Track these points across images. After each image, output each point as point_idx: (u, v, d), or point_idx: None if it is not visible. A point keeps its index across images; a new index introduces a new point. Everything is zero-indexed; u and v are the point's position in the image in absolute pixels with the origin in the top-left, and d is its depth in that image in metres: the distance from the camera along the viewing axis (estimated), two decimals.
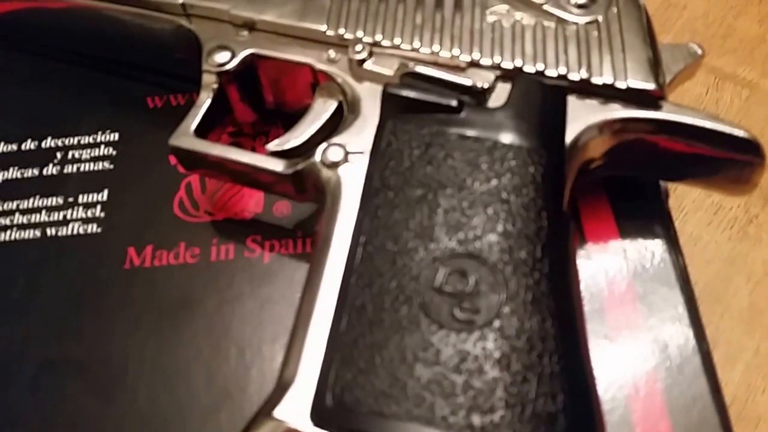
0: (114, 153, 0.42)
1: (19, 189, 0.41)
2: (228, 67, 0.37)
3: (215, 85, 0.37)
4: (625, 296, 0.35)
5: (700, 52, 0.36)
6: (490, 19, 0.36)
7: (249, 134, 0.42)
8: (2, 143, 0.43)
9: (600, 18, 0.35)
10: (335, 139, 0.34)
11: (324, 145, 0.34)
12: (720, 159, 0.34)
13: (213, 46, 0.38)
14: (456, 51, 0.35)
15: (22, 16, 0.45)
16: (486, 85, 0.34)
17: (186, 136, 0.36)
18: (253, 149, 0.41)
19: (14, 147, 0.43)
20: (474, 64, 0.35)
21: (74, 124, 0.43)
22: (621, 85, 0.33)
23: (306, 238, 0.38)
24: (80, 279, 0.37)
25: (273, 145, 0.36)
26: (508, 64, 0.34)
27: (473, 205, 0.30)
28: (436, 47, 0.35)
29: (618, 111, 0.33)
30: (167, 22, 0.40)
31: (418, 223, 0.30)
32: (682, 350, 0.34)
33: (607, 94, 0.33)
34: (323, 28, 0.37)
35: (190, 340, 0.35)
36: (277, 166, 0.35)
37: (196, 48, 0.39)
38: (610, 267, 0.36)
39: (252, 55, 0.37)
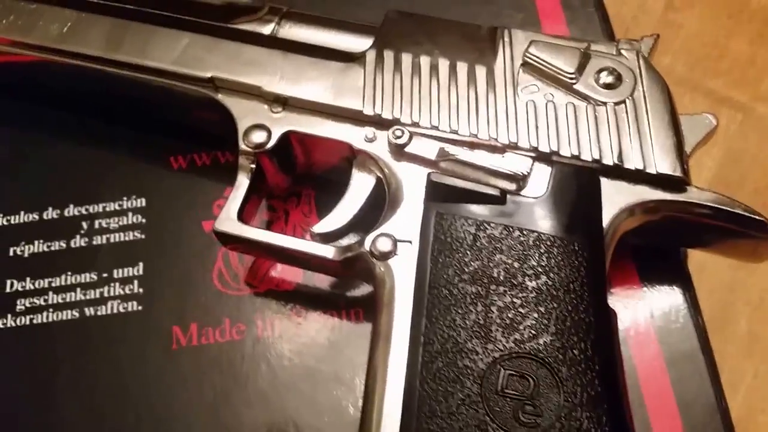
0: (143, 221, 0.42)
1: (49, 265, 0.41)
2: (266, 147, 0.37)
3: (253, 165, 0.38)
4: (653, 361, 0.38)
5: (715, 122, 0.38)
6: (524, 97, 0.37)
7: (280, 197, 0.42)
8: (22, 212, 0.43)
9: (627, 99, 0.36)
10: (383, 228, 0.35)
11: (373, 235, 0.35)
12: (737, 234, 0.36)
13: (248, 126, 0.38)
14: (493, 132, 0.36)
15: (40, 69, 0.44)
16: (526, 171, 0.35)
17: (230, 222, 0.37)
18: (286, 213, 0.42)
19: (35, 216, 0.42)
20: (512, 147, 0.36)
21: (96, 189, 0.43)
22: (651, 170, 0.35)
23: (350, 309, 0.39)
24: (127, 362, 0.38)
25: (318, 228, 0.37)
26: (545, 147, 0.35)
27: (526, 303, 0.32)
28: (473, 128, 0.36)
29: (648, 193, 0.35)
30: (195, 92, 0.39)
31: (474, 321, 0.32)
32: (704, 409, 0.37)
33: (637, 177, 0.35)
34: (360, 106, 0.37)
35: (249, 420, 0.36)
36: (328, 253, 0.36)
37: (224, 116, 0.39)
38: (637, 326, 0.39)
39: (289, 132, 0.38)
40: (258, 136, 0.37)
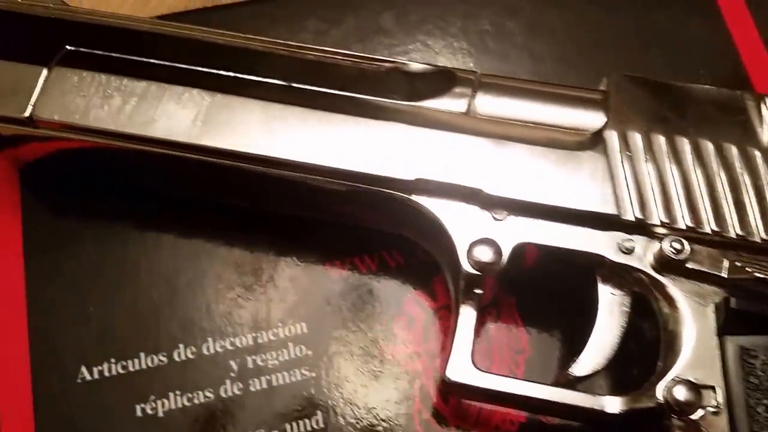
0: (309, 353, 0.33)
1: (192, 425, 0.32)
2: (498, 267, 0.29)
3: (479, 291, 0.29)
4: None
5: None
6: None
7: None
8: (142, 354, 0.33)
9: None
10: (675, 372, 0.27)
11: (667, 382, 0.27)
12: None
13: (472, 242, 0.29)
14: None
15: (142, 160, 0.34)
16: None
17: (467, 370, 0.28)
18: (485, 329, 0.34)
19: (163, 358, 0.33)
20: None
21: (242, 314, 0.34)
22: None
23: None
24: None
25: (578, 370, 0.29)
26: None
27: None
28: (762, 231, 0.29)
29: None
30: (387, 195, 0.31)
31: None
32: None
33: None
34: (612, 209, 0.29)
35: None
36: (611, 406, 0.28)
37: (424, 224, 0.31)
38: None
39: (522, 245, 0.29)
40: (484, 254, 0.29)
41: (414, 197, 0.30)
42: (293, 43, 0.33)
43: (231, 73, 0.32)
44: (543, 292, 0.33)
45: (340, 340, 0.34)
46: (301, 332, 0.34)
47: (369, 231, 0.35)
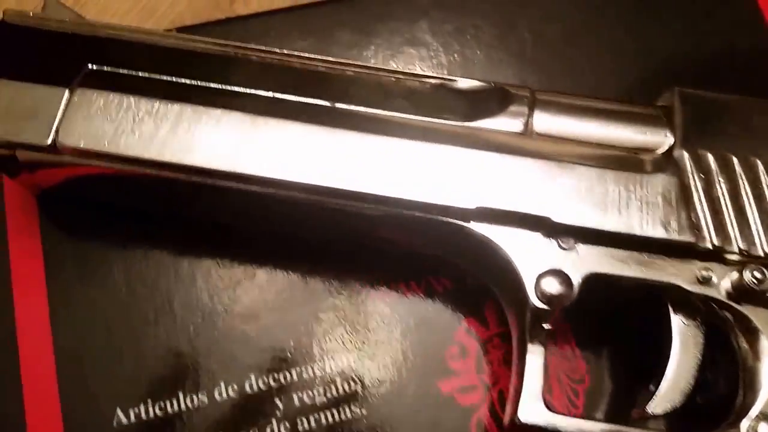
0: (358, 389, 0.31)
1: None
2: (569, 300, 0.27)
3: (548, 326, 0.28)
4: None
5: None
6: None
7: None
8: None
9: None
10: (758, 408, 0.26)
11: (751, 420, 0.26)
12: None
13: (540, 273, 0.27)
14: None
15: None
16: None
17: (538, 409, 0.27)
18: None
19: (204, 398, 0.31)
20: None
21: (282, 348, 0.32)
22: None
23: None
24: None
25: (657, 407, 0.27)
26: None
27: None
28: None
29: None
30: (443, 224, 0.29)
31: None
32: None
33: None
34: (688, 236, 0.27)
35: None
36: None
37: (483, 252, 0.29)
38: None
39: (592, 275, 0.28)
40: (553, 286, 0.27)
41: (472, 225, 0.28)
42: (332, 59, 0.31)
43: (271, 94, 0.30)
44: (599, 319, 0.32)
45: (390, 374, 0.32)
46: (348, 365, 0.32)
47: (411, 255, 0.33)
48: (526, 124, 0.30)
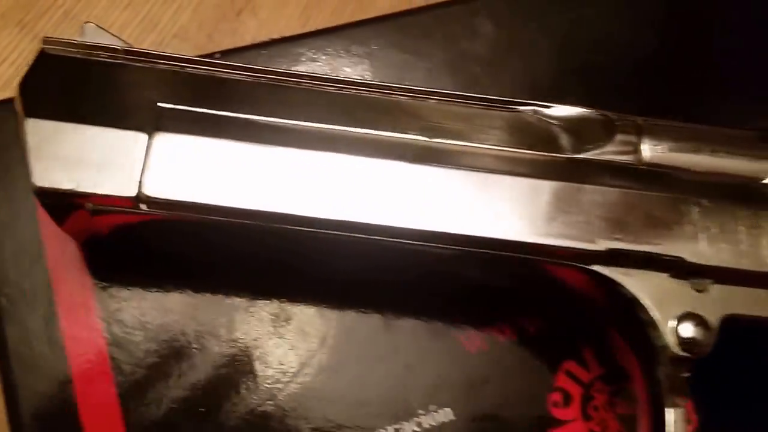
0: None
1: None
2: (707, 347, 0.25)
3: (686, 374, 0.26)
4: None
5: None
6: None
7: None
8: None
9: None
10: None
11: None
12: None
13: (675, 317, 0.25)
14: None
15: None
16: None
17: None
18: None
19: None
20: None
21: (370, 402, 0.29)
22: None
23: None
24: None
25: None
26: None
27: None
28: None
29: None
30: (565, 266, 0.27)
31: None
32: None
33: None
34: None
35: None
36: None
37: (601, 294, 0.27)
38: None
39: (729, 317, 0.26)
40: (691, 331, 0.25)
41: (597, 268, 0.26)
42: (414, 87, 0.28)
43: (365, 131, 0.27)
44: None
45: (490, 427, 0.29)
46: (447, 420, 0.29)
47: (498, 293, 0.31)
48: (636, 154, 0.28)
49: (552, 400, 0.30)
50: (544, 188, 0.26)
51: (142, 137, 0.25)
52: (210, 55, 0.31)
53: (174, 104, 0.26)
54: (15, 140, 0.26)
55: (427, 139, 0.27)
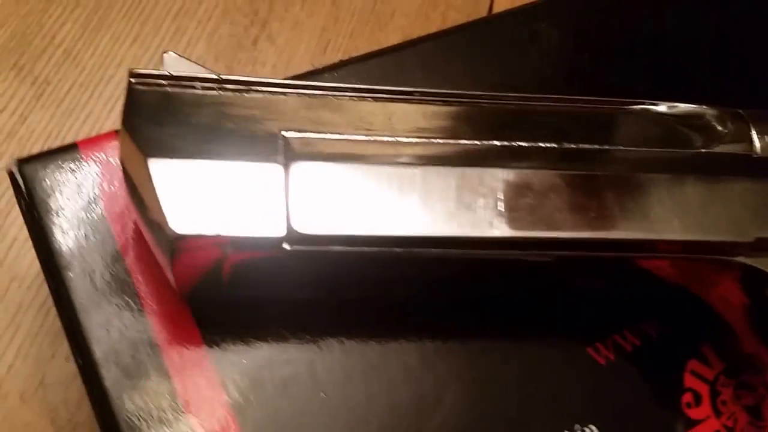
0: None
1: None
2: None
3: None
4: None
5: None
6: None
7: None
8: None
9: None
10: None
11: None
12: None
13: None
14: None
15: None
16: None
17: None
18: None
19: None
20: None
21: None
22: None
23: None
24: None
25: None
26: None
27: None
28: None
29: None
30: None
31: None
32: None
33: None
34: None
35: None
36: None
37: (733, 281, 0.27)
38: None
39: None
40: None
41: (741, 260, 0.26)
42: (527, 95, 0.27)
43: (499, 143, 0.26)
44: None
45: None
46: None
47: (617, 301, 0.30)
48: (751, 144, 0.28)
49: (685, 401, 0.30)
50: (685, 184, 0.26)
51: (278, 169, 0.23)
52: (307, 75, 0.29)
53: (297, 131, 0.24)
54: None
55: (561, 145, 0.26)
